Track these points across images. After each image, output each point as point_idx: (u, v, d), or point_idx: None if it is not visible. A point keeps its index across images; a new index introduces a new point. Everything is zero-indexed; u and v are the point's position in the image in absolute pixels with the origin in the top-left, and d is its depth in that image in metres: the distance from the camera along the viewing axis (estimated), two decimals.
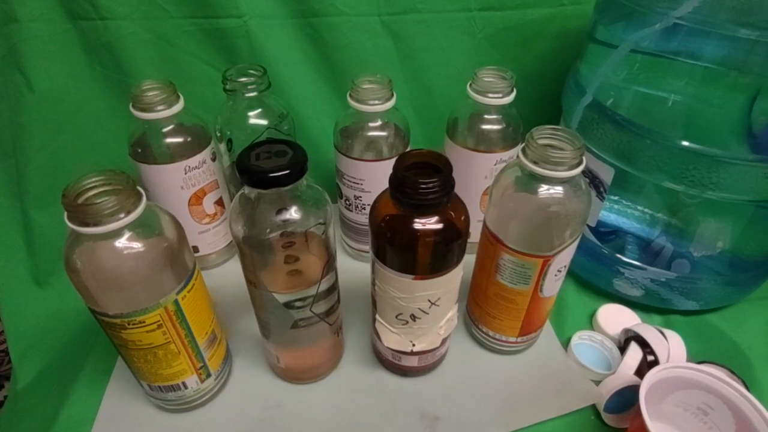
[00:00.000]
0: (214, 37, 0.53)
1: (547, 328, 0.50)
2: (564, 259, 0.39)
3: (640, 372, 0.43)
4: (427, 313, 0.38)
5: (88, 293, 0.32)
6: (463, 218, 0.35)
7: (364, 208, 0.52)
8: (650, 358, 0.44)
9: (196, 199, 0.50)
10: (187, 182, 0.48)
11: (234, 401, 0.43)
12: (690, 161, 0.41)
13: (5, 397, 0.55)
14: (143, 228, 0.32)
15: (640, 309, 0.52)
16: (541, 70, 0.62)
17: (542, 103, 0.63)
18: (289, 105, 0.54)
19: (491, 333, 0.46)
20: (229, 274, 0.54)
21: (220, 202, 0.53)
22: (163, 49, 0.53)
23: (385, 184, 0.35)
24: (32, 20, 0.48)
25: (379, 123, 0.48)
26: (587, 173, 0.48)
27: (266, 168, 0.31)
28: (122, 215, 0.30)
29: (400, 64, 0.60)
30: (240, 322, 0.49)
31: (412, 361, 0.43)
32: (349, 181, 0.50)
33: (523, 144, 0.36)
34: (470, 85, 0.48)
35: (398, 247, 0.35)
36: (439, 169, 0.34)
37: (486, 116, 0.48)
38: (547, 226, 0.37)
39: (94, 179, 0.31)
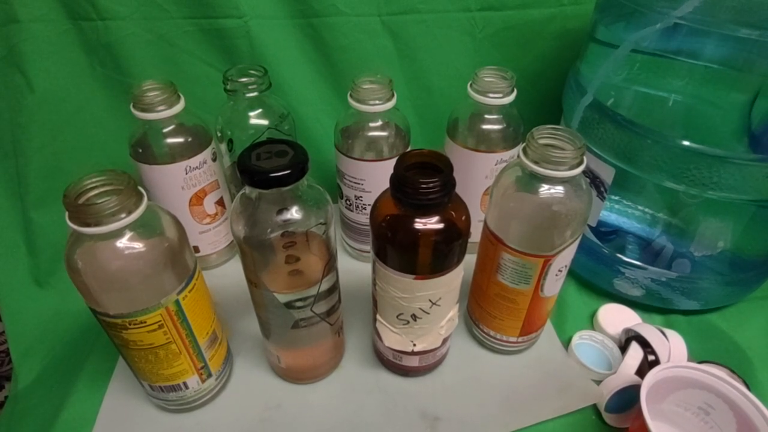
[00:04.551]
0: (214, 38, 0.53)
1: (548, 328, 0.50)
2: (565, 258, 0.39)
3: (641, 372, 0.43)
4: (428, 313, 0.38)
5: (89, 293, 0.32)
6: (463, 218, 0.35)
7: (365, 208, 0.52)
8: (651, 357, 0.44)
9: (197, 199, 0.50)
10: (187, 182, 0.48)
11: (235, 401, 0.43)
12: (690, 161, 0.41)
13: (6, 397, 0.55)
14: (144, 228, 0.32)
15: (641, 309, 0.52)
16: (541, 70, 0.62)
17: (543, 103, 0.63)
18: (289, 105, 0.54)
19: (492, 333, 0.46)
20: (230, 274, 0.54)
21: (220, 202, 0.53)
22: (163, 49, 0.53)
23: (386, 184, 0.35)
24: (33, 20, 0.48)
25: (379, 123, 0.48)
26: (588, 173, 0.48)
27: (267, 168, 0.31)
28: (123, 215, 0.30)
29: (401, 64, 0.60)
30: (241, 322, 0.49)
31: (413, 361, 0.43)
32: (349, 181, 0.50)
33: (524, 144, 0.36)
34: (471, 85, 0.48)
35: (399, 247, 0.35)
36: (440, 169, 0.34)
37: (486, 116, 0.48)
38: (547, 226, 0.37)
39: (95, 179, 0.31)
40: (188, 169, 0.47)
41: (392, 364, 0.44)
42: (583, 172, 0.36)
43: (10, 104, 0.50)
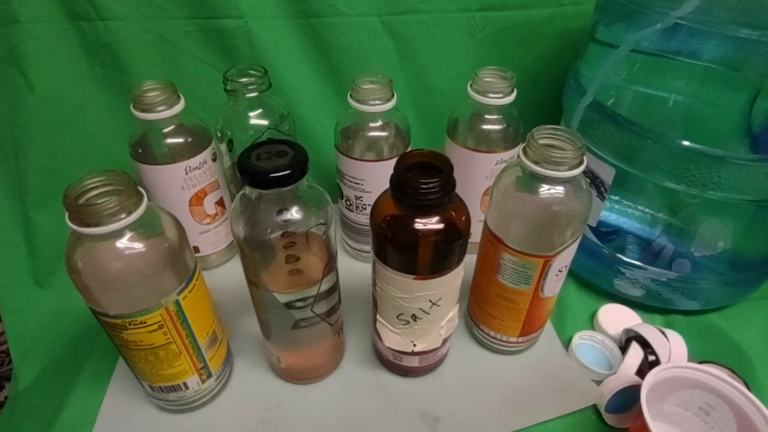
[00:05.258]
0: (214, 38, 0.53)
1: (548, 328, 0.50)
2: (565, 259, 0.39)
3: (641, 372, 0.42)
4: (428, 313, 0.38)
5: (89, 294, 0.32)
6: (463, 218, 0.35)
7: (365, 209, 0.52)
8: (651, 358, 0.44)
9: (197, 199, 0.50)
10: (187, 183, 0.48)
11: (235, 402, 0.43)
12: (691, 161, 0.41)
13: (6, 397, 0.55)
14: (144, 228, 0.32)
15: (641, 309, 0.52)
16: (541, 70, 0.62)
17: (543, 103, 0.63)
18: (289, 105, 0.54)
19: (492, 333, 0.46)
20: (230, 275, 0.54)
21: (220, 203, 0.53)
22: (163, 49, 0.53)
23: (386, 185, 0.35)
24: (33, 21, 0.48)
25: (379, 123, 0.48)
26: (588, 173, 0.48)
27: (267, 168, 0.31)
28: (123, 215, 0.30)
29: (401, 64, 0.60)
30: (241, 323, 0.49)
31: (413, 362, 0.43)
32: (349, 181, 0.50)
33: (524, 144, 0.36)
34: (471, 85, 0.48)
35: (399, 248, 0.35)
36: (440, 169, 0.34)
37: (486, 116, 0.48)
38: (547, 226, 0.37)
39: (95, 180, 0.31)
40: (188, 169, 0.47)
41: (392, 364, 0.44)
42: (583, 172, 0.36)
43: (10, 104, 0.50)
